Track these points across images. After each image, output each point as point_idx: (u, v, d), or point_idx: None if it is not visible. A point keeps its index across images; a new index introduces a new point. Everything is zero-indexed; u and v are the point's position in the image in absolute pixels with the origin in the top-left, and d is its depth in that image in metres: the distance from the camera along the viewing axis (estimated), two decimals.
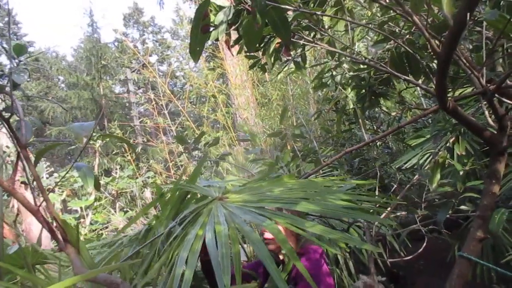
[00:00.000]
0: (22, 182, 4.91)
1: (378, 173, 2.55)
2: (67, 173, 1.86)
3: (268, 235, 1.93)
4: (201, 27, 1.35)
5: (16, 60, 1.47)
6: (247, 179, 2.39)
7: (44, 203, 1.38)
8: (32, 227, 5.15)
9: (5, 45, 1.43)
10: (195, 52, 1.37)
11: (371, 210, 2.27)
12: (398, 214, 2.52)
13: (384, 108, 3.42)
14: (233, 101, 8.80)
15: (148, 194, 8.01)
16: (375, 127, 3.78)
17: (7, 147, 5.30)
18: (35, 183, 1.32)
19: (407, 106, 3.01)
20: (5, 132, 5.13)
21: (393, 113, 3.65)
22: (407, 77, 1.70)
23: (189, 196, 2.07)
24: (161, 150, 8.38)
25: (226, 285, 1.31)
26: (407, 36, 1.95)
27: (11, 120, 1.30)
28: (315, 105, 7.52)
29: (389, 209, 2.14)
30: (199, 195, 2.04)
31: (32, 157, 1.29)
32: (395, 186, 2.99)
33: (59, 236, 1.32)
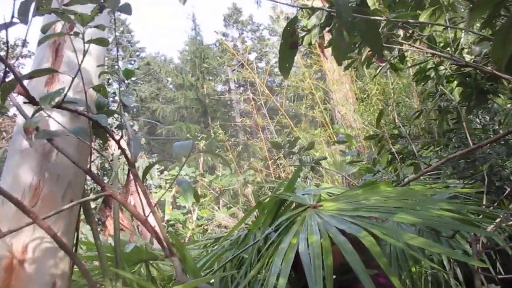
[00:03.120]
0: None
1: (486, 178, 2.34)
2: (174, 180, 2.02)
3: None
4: (289, 44, 1.37)
5: (126, 82, 1.64)
6: (343, 188, 2.37)
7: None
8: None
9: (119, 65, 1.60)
10: (284, 68, 1.40)
11: (477, 220, 2.10)
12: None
13: (497, 103, 3.12)
14: (331, 97, 8.69)
15: (249, 190, 8.29)
16: (488, 119, 3.45)
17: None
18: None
19: None
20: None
21: (508, 105, 3.31)
22: None
23: (286, 203, 2.12)
24: (260, 148, 8.60)
25: None
26: None
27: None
28: (419, 98, 7.12)
29: (498, 220, 1.97)
30: (295, 203, 2.08)
31: (140, 173, 1.44)
32: (508, 189, 2.72)
33: (165, 244, 1.46)
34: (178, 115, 22.51)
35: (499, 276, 2.09)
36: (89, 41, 1.09)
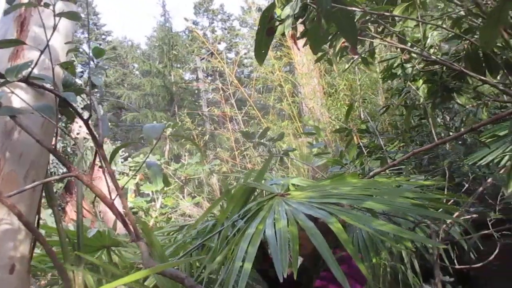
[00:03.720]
0: (100, 167, 5.27)
1: (447, 172, 2.43)
2: (141, 166, 1.98)
3: None
4: (266, 30, 1.37)
5: (95, 62, 1.59)
6: (311, 180, 2.39)
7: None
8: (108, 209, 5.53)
9: (85, 47, 1.54)
10: (260, 55, 1.40)
11: (440, 210, 2.18)
12: (470, 216, 2.40)
13: (459, 103, 3.23)
14: (299, 90, 8.75)
15: (214, 180, 8.26)
16: (448, 119, 3.58)
17: (87, 133, 5.70)
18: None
19: (483, 102, 2.83)
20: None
21: (468, 106, 3.43)
22: (482, 77, 1.61)
23: (256, 193, 2.12)
24: (227, 138, 8.58)
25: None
26: None
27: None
28: (384, 95, 7.28)
29: (461, 209, 2.05)
30: (264, 192, 2.08)
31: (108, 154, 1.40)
32: (467, 185, 2.84)
33: (132, 229, 1.43)
34: (144, 102, 22.07)
35: (456, 267, 2.18)
36: (60, 14, 1.04)
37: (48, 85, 1.35)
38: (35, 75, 1.26)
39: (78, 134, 6.37)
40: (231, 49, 25.92)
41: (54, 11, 0.99)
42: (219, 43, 25.99)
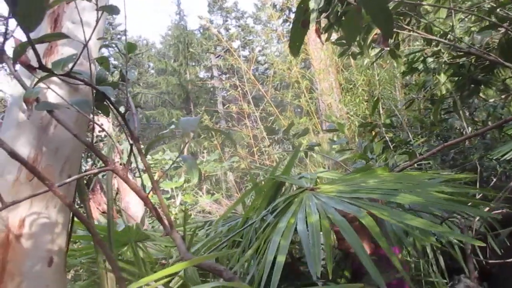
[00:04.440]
0: (121, 164, 5.33)
1: (478, 167, 2.39)
2: (175, 161, 1.99)
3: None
4: (301, 22, 1.36)
5: (128, 57, 1.60)
6: (340, 173, 2.38)
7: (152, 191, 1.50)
8: (130, 205, 5.59)
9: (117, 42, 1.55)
10: (295, 47, 1.39)
11: (470, 205, 2.14)
12: (501, 211, 2.35)
13: (483, 96, 3.18)
14: (316, 87, 8.70)
15: (231, 177, 8.27)
16: (467, 114, 3.52)
17: (113, 128, 5.78)
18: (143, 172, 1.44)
19: (510, 94, 2.78)
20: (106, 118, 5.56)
21: (491, 100, 3.37)
22: None
23: (284, 187, 2.11)
24: (245, 135, 8.58)
25: (316, 274, 1.33)
26: None
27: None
28: (402, 90, 7.20)
29: (492, 204, 2.01)
30: (293, 186, 2.08)
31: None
32: (495, 180, 2.79)
33: (166, 222, 1.43)
34: (159, 100, 22.23)
35: (490, 261, 2.14)
36: (102, 8, 1.05)
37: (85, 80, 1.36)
38: (73, 71, 1.27)
39: (100, 131, 6.43)
40: (245, 46, 25.90)
41: (97, 4, 1.00)
42: (233, 41, 26.00)
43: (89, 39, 1.09)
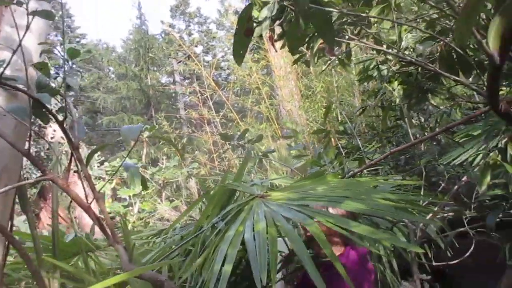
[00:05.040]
0: (75, 171, 5.16)
1: (424, 172, 2.48)
2: (118, 169, 1.95)
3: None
4: (245, 31, 1.36)
5: (70, 63, 1.55)
6: (292, 178, 2.40)
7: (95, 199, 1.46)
8: (84, 214, 5.42)
9: (59, 48, 1.50)
10: (239, 55, 1.39)
11: (417, 210, 2.21)
12: (446, 215, 2.44)
13: (432, 102, 3.30)
14: (276, 93, 8.78)
15: (193, 184, 8.20)
16: (422, 120, 3.65)
17: (62, 138, 5.59)
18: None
19: (456, 102, 2.90)
20: None
21: (442, 107, 3.51)
22: (456, 77, 1.64)
23: (237, 194, 2.11)
24: (205, 141, 8.54)
25: (261, 283, 1.32)
26: None
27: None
28: (361, 96, 7.37)
29: (436, 209, 2.08)
30: (244, 194, 2.07)
31: (84, 157, 1.36)
32: (443, 184, 2.90)
33: (109, 232, 1.40)
34: (120, 105, 21.78)
35: (433, 264, 2.21)
36: (33, 13, 1.01)
37: (21, 86, 1.31)
38: (8, 76, 1.22)
39: (52, 138, 6.23)
40: (208, 52, 25.85)
41: (27, 9, 0.96)
42: (196, 46, 25.86)
43: (20, 42, 1.04)
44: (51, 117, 1.43)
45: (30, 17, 1.02)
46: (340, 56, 2.29)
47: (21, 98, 1.52)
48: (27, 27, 1.04)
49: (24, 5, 0.98)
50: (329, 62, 2.38)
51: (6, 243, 1.54)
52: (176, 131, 9.67)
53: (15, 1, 0.97)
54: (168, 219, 6.61)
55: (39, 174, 5.65)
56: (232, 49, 1.38)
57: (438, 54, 1.96)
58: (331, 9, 1.30)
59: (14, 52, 1.07)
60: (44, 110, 1.34)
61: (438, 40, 1.87)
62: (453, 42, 1.75)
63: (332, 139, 3.37)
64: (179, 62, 20.71)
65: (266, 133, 7.52)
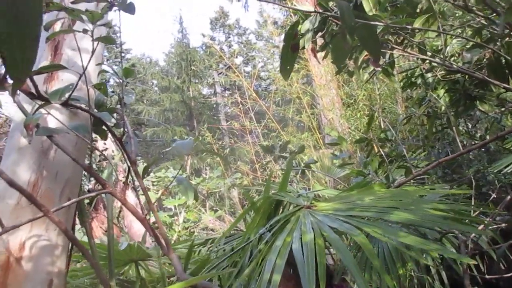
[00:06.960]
0: (124, 183, 5.37)
1: (474, 182, 2.41)
2: (172, 181, 2.03)
3: None
4: (291, 47, 1.40)
5: (125, 82, 1.65)
6: (338, 189, 2.40)
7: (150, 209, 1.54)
8: (133, 223, 5.61)
9: (114, 68, 1.60)
10: (285, 70, 1.44)
11: (467, 220, 2.16)
12: (496, 226, 2.36)
13: (483, 110, 3.20)
14: (317, 102, 8.76)
15: (235, 193, 8.28)
16: (470, 126, 3.54)
17: (112, 151, 5.84)
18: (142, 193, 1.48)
19: (506, 108, 2.81)
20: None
21: (491, 113, 3.40)
22: (506, 85, 1.61)
23: (283, 204, 2.14)
24: (247, 151, 8.63)
25: None
26: (507, 39, 1.84)
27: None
28: (403, 103, 7.22)
29: (488, 219, 2.02)
30: (290, 205, 2.10)
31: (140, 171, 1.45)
32: (494, 194, 2.80)
33: (163, 242, 1.46)
34: (163, 117, 22.40)
35: (486, 277, 2.15)
36: (98, 39, 1.10)
37: (83, 106, 1.41)
38: (72, 97, 1.32)
39: (103, 151, 6.50)
40: (248, 62, 26.14)
41: (92, 36, 1.05)
42: (236, 57, 26.25)
43: (87, 66, 1.14)
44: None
45: (95, 42, 1.10)
46: (384, 66, 2.29)
47: (81, 116, 1.63)
48: (92, 52, 1.14)
49: (89, 32, 1.06)
50: (373, 72, 2.38)
51: (69, 252, 1.65)
52: (218, 141, 9.84)
53: (82, 30, 1.06)
54: (213, 228, 6.72)
55: (90, 185, 5.90)
56: (279, 65, 1.42)
57: (485, 60, 1.92)
58: (376, 22, 1.32)
59: (81, 75, 1.16)
60: (103, 127, 1.43)
61: (486, 48, 1.84)
62: (501, 49, 1.72)
63: (375, 147, 3.34)
64: (220, 73, 21.09)
65: (308, 143, 7.50)
